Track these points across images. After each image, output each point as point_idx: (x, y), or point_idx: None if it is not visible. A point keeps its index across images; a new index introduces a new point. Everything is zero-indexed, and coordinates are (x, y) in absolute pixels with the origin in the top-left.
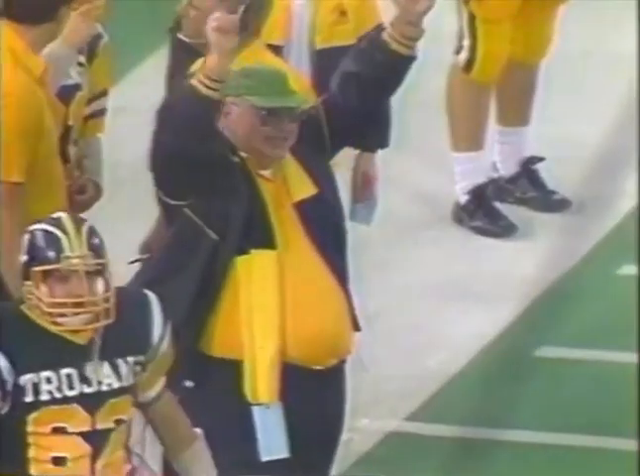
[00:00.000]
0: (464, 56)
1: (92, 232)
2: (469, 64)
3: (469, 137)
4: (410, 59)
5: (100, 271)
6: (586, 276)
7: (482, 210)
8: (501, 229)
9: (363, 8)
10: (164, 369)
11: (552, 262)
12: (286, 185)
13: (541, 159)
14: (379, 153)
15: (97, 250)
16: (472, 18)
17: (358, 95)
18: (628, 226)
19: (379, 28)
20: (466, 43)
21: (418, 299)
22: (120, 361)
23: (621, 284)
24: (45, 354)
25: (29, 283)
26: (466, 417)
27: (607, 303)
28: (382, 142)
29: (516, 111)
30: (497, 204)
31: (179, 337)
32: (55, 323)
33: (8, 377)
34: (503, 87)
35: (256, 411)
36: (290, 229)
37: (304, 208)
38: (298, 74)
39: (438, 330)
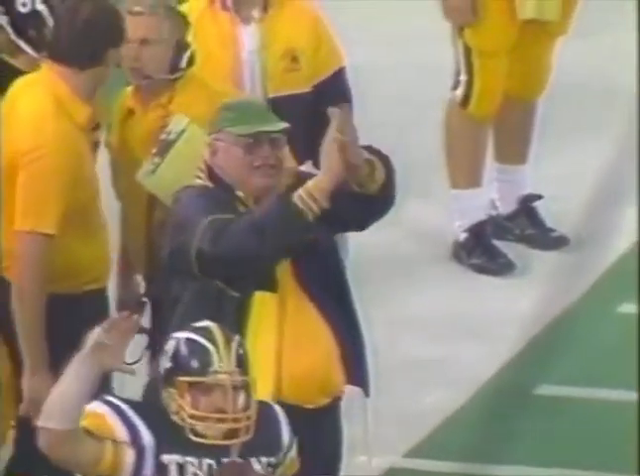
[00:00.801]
0: (460, 91)
1: (240, 345)
2: (465, 100)
3: (467, 174)
4: (379, 191)
5: (244, 386)
6: (585, 313)
7: (481, 248)
8: (500, 267)
9: (318, 53)
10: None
11: (551, 299)
12: None
13: (539, 196)
14: None
15: (243, 364)
16: (467, 51)
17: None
18: (627, 264)
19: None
20: (462, 78)
21: (417, 336)
22: (254, 460)
23: (621, 322)
24: (189, 441)
25: (172, 390)
26: (464, 454)
27: (607, 342)
28: None
29: (514, 149)
30: (496, 242)
31: None
32: (196, 433)
33: (150, 452)
34: (501, 124)
35: None
36: (282, 270)
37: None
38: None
39: (437, 367)
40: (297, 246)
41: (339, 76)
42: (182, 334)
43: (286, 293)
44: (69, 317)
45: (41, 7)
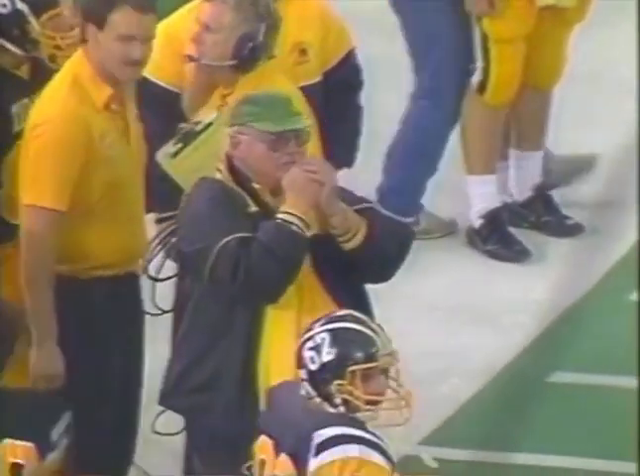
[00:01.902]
0: (477, 78)
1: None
2: (482, 87)
3: (483, 160)
4: (355, 252)
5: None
6: (599, 301)
7: (497, 235)
8: (515, 254)
9: (326, 41)
10: None
11: (565, 287)
12: None
13: (555, 184)
14: None
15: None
16: (485, 38)
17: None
18: None
19: None
20: (479, 65)
21: (431, 325)
22: None
23: (634, 309)
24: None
25: (341, 381)
26: (479, 442)
27: (621, 329)
28: (347, 160)
29: (531, 135)
30: (512, 229)
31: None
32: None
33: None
34: (519, 111)
35: None
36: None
37: (315, 242)
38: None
39: (451, 356)
40: (300, 261)
41: (348, 61)
42: (328, 326)
43: (305, 285)
44: (73, 302)
45: (21, 5)
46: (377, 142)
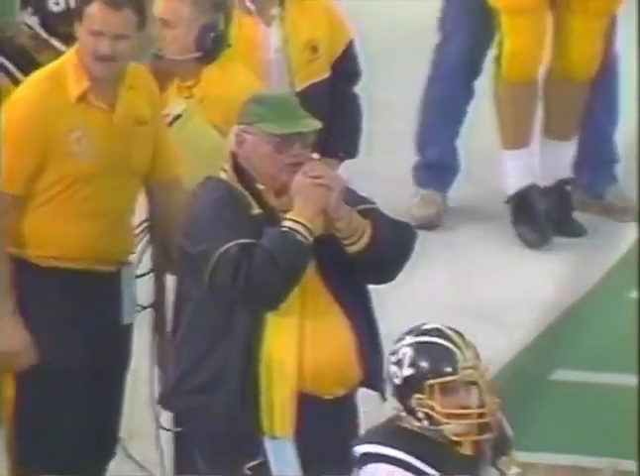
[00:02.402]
0: (494, 51)
1: (469, 341)
2: (498, 60)
3: (512, 134)
4: (358, 255)
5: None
6: (601, 299)
7: (525, 216)
8: (538, 235)
9: (331, 35)
10: None
11: (567, 285)
12: None
13: (576, 180)
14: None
15: (478, 359)
16: (497, 12)
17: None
18: None
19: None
20: (496, 38)
21: (433, 322)
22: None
23: (636, 307)
24: (436, 458)
25: (420, 395)
26: None
27: (623, 327)
28: (350, 149)
29: (558, 125)
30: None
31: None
32: (455, 434)
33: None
34: (549, 99)
35: (270, 444)
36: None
37: (319, 243)
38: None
39: None
40: (303, 270)
41: (349, 51)
42: (410, 340)
43: (308, 288)
44: (25, 287)
45: (73, 3)
46: (377, 137)
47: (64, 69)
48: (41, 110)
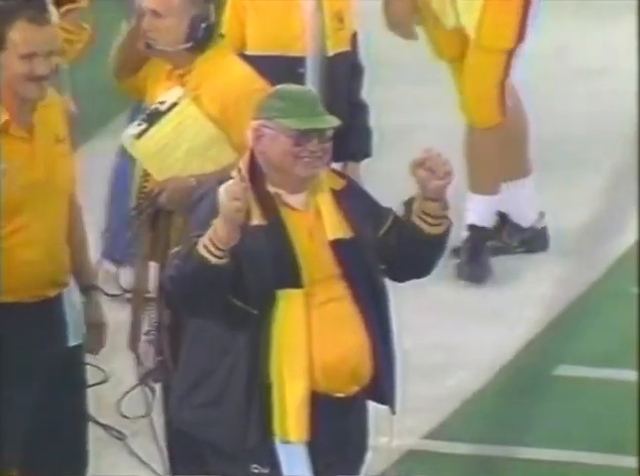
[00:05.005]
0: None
1: None
2: None
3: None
4: (435, 238)
5: None
6: (604, 294)
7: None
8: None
9: (350, 12)
10: None
11: (570, 281)
12: (322, 220)
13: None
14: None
15: None
16: None
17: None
18: None
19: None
20: None
21: (437, 318)
22: None
23: (638, 303)
24: None
25: None
26: (484, 436)
27: (626, 322)
28: (366, 150)
29: (474, 177)
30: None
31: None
32: None
33: None
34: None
35: (283, 449)
36: (320, 261)
37: (338, 247)
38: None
39: (457, 349)
40: (207, 288)
41: (355, 38)
42: None
43: (321, 282)
44: None
45: None
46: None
47: None
48: None
